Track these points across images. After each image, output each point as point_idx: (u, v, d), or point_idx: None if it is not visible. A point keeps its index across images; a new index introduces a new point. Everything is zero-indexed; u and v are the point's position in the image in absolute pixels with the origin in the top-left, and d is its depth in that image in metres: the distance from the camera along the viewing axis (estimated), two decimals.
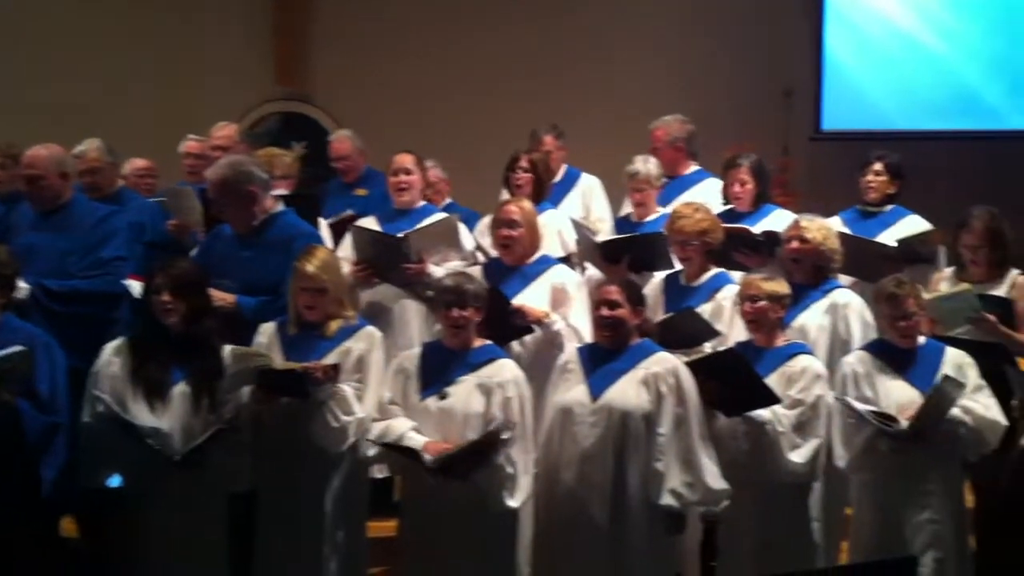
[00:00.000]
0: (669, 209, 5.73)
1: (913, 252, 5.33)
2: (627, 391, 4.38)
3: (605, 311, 4.46)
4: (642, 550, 4.35)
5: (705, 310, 4.99)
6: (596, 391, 4.41)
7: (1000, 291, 5.05)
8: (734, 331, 4.88)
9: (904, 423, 4.41)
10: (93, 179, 5.70)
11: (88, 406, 4.33)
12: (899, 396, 4.51)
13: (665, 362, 4.43)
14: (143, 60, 8.40)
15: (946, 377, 4.43)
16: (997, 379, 4.57)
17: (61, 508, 4.55)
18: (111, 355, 4.39)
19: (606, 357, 4.48)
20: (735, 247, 5.29)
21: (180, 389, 4.33)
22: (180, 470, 4.23)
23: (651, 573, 4.38)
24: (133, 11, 8.48)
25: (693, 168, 6.33)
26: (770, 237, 5.29)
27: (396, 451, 4.34)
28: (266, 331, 4.59)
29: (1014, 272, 5.08)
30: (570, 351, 4.66)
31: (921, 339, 4.65)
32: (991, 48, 8.36)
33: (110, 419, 4.24)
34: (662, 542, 4.41)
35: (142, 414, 4.27)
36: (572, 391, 4.46)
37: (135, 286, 4.85)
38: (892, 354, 4.61)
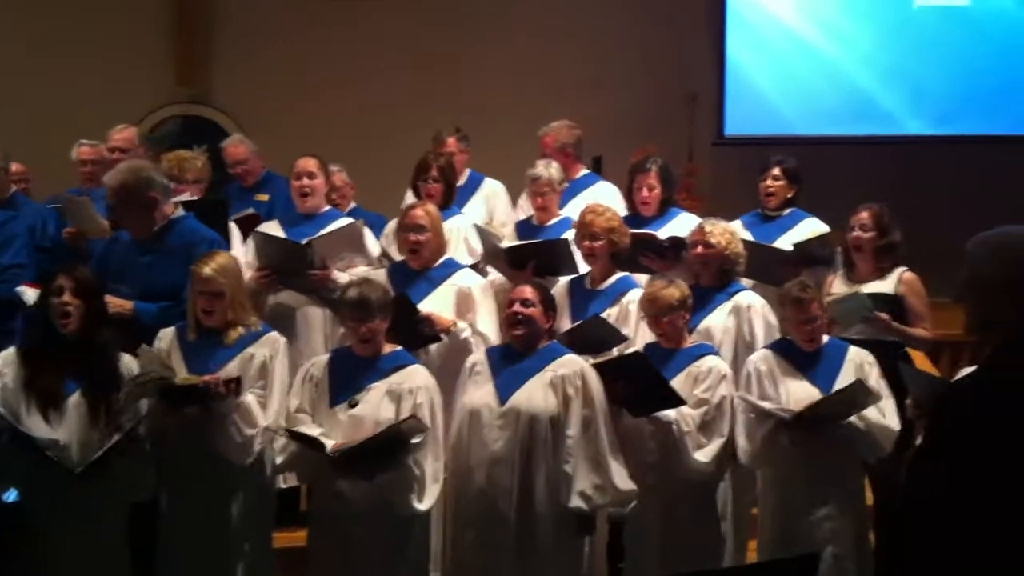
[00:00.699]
0: (569, 212, 5.79)
1: (811, 255, 5.43)
2: (534, 394, 4.37)
3: (518, 307, 4.45)
4: (550, 552, 4.34)
5: (611, 314, 5.02)
6: (504, 394, 4.40)
7: (888, 289, 5.18)
8: (640, 334, 4.91)
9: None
10: None
11: None
12: (801, 395, 4.59)
13: (572, 364, 4.44)
14: (38, 61, 8.14)
15: (860, 383, 4.51)
16: (894, 378, 4.68)
17: None
18: (1, 366, 4.26)
19: (514, 359, 4.47)
20: (641, 251, 5.33)
21: (75, 399, 4.22)
22: (80, 482, 4.11)
23: (560, 574, 4.37)
24: (30, 9, 8.22)
25: (583, 172, 6.38)
26: (676, 243, 5.34)
27: (302, 442, 4.26)
28: (165, 336, 4.49)
29: (900, 269, 5.22)
30: (478, 354, 4.64)
31: (824, 338, 4.74)
32: (887, 55, 8.58)
33: (4, 431, 4.10)
34: (571, 544, 4.41)
35: (38, 426, 4.15)
36: (480, 394, 4.44)
37: (28, 293, 4.69)
38: (795, 354, 4.69)
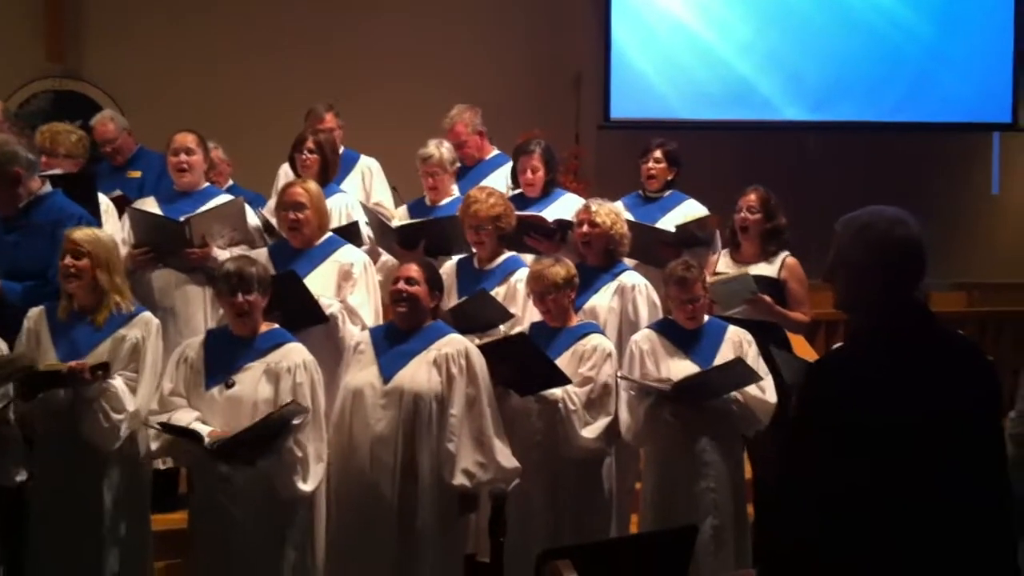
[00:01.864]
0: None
1: (691, 236, 5.52)
2: (418, 373, 4.35)
3: (402, 285, 4.42)
4: (433, 531, 4.33)
5: (499, 293, 5.02)
6: (387, 373, 4.37)
7: (771, 272, 5.31)
8: (528, 313, 4.93)
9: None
10: None
11: None
12: (682, 373, 4.67)
13: (456, 343, 4.42)
14: None
15: (741, 361, 4.60)
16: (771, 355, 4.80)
17: None
18: None
19: (398, 338, 4.44)
20: (527, 233, 5.34)
21: None
22: None
23: (443, 553, 4.38)
24: None
25: (494, 152, 6.36)
26: (563, 225, 5.37)
27: (178, 435, 4.16)
28: (33, 316, 4.35)
29: (784, 254, 5.35)
30: (362, 333, 4.59)
31: (705, 318, 4.83)
32: (765, 42, 8.78)
33: None
34: (453, 523, 4.41)
35: None
36: (363, 373, 4.40)
37: None
38: (677, 333, 4.77)
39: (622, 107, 8.62)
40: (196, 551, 4.30)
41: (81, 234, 4.30)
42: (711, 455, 4.65)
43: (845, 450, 2.55)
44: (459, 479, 4.31)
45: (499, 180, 6.04)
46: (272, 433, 4.12)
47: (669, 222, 5.64)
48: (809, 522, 2.59)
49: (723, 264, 5.39)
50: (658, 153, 5.83)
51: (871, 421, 2.55)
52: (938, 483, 2.58)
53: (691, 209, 5.76)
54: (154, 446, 4.25)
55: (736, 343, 4.76)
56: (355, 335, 4.63)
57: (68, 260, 4.25)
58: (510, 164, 6.15)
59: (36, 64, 8.14)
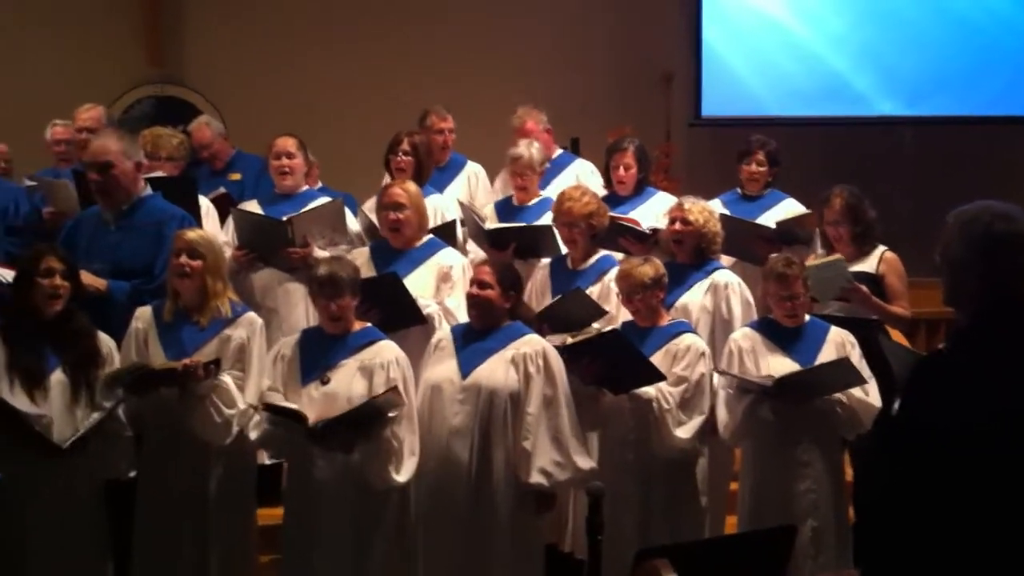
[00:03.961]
0: (548, 193, 5.79)
1: (791, 234, 5.47)
2: (495, 370, 4.39)
3: (475, 290, 4.47)
4: (506, 526, 4.36)
5: (592, 292, 5.02)
6: (465, 369, 4.42)
7: (868, 268, 5.23)
8: (621, 311, 4.91)
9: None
10: None
11: None
12: (783, 371, 4.59)
13: (534, 343, 4.45)
14: (10, 43, 8.04)
15: (847, 361, 4.53)
16: (874, 356, 4.71)
17: None
18: None
19: (477, 336, 4.49)
20: (621, 235, 5.34)
21: (58, 378, 4.21)
22: (62, 459, 4.11)
23: (517, 549, 4.40)
24: None
25: (559, 151, 6.40)
26: (656, 232, 5.34)
27: (281, 415, 4.25)
28: (143, 316, 4.47)
29: (881, 248, 5.27)
30: (444, 331, 4.65)
31: (806, 317, 4.76)
32: (859, 36, 8.63)
33: None
34: (527, 519, 4.43)
35: (22, 403, 4.13)
36: (442, 368, 4.46)
37: (5, 273, 4.65)
38: (777, 331, 4.71)
39: (713, 104, 8.56)
40: (289, 540, 4.39)
41: (195, 235, 4.42)
42: (811, 455, 4.59)
43: (948, 451, 2.52)
44: (536, 478, 4.34)
45: (570, 178, 6.05)
46: (370, 420, 4.20)
47: (769, 220, 5.59)
48: (910, 525, 2.57)
49: (821, 258, 5.31)
50: (760, 156, 5.80)
51: (972, 422, 2.51)
52: None
53: (790, 208, 5.71)
54: (254, 435, 4.34)
55: (839, 344, 4.68)
56: (438, 334, 4.67)
57: (183, 259, 4.36)
58: (578, 163, 6.17)
59: (138, 70, 8.34)
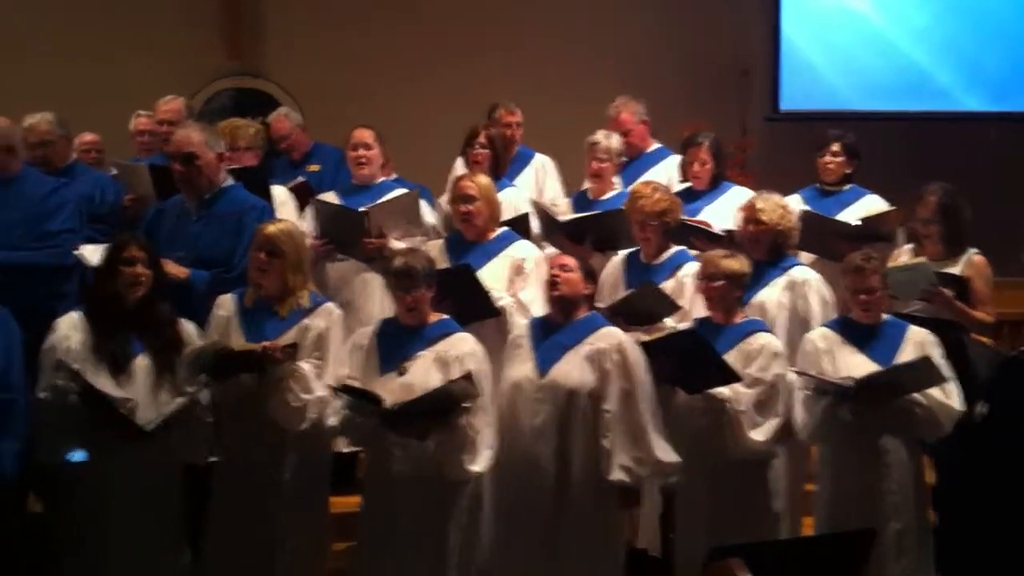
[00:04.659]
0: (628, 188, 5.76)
1: (873, 231, 5.37)
2: (572, 368, 4.39)
3: (557, 271, 4.47)
4: (587, 523, 4.37)
5: (666, 287, 4.98)
6: (543, 367, 4.43)
7: (955, 270, 5.12)
8: (695, 308, 4.87)
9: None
10: (44, 152, 5.57)
11: (44, 380, 4.26)
12: (860, 371, 4.53)
13: (610, 338, 4.44)
14: (91, 36, 8.22)
15: (928, 360, 4.44)
16: (957, 358, 4.61)
17: (26, 485, 4.46)
18: (67, 329, 4.32)
19: (553, 330, 4.48)
20: (693, 236, 5.28)
21: (141, 362, 4.30)
22: (143, 442, 4.19)
23: (599, 545, 4.40)
24: None
25: (656, 145, 6.33)
26: (731, 233, 5.28)
27: (359, 398, 4.29)
28: (225, 303, 4.53)
29: (971, 251, 5.15)
30: (521, 326, 4.65)
31: (884, 316, 4.68)
32: (942, 30, 8.46)
33: (74, 392, 4.18)
34: (608, 516, 4.43)
35: (107, 387, 4.23)
36: (520, 366, 4.47)
37: (93, 253, 4.76)
38: (855, 330, 4.64)
39: (791, 99, 8.46)
40: (365, 528, 4.43)
41: (275, 229, 4.46)
42: (892, 457, 4.51)
43: None
44: (616, 475, 4.33)
45: (661, 173, 6.01)
46: (444, 407, 4.22)
47: (850, 217, 5.50)
48: (996, 530, 2.51)
49: (906, 259, 5.22)
50: (836, 146, 5.72)
51: None
52: None
53: (873, 204, 5.62)
54: (334, 420, 4.38)
55: (918, 343, 4.58)
56: (515, 330, 4.68)
57: (263, 255, 4.42)
58: (672, 158, 6.11)
59: (217, 63, 8.47)
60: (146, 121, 6.39)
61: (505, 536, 4.46)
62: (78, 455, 4.22)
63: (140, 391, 4.26)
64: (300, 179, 5.86)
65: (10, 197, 4.96)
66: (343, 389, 4.32)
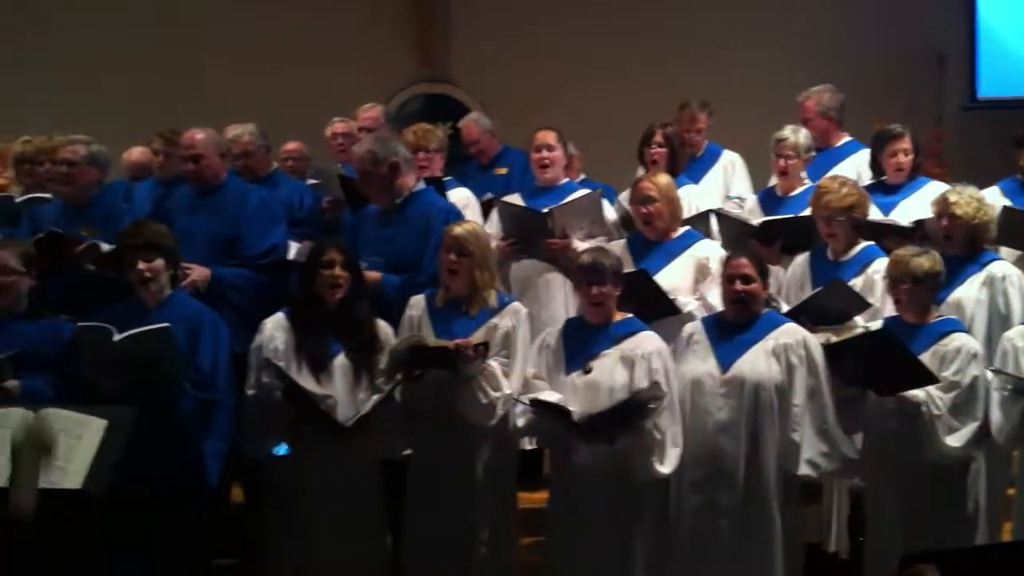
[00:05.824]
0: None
1: None
2: (757, 362, 4.37)
3: (739, 285, 4.44)
4: (776, 520, 4.35)
5: (855, 285, 4.87)
6: (725, 363, 4.41)
7: None
8: (887, 305, 4.74)
9: None
10: (246, 162, 5.84)
11: (253, 377, 4.52)
12: None
13: (794, 333, 4.41)
14: (290, 47, 8.60)
15: None
16: None
17: (228, 479, 4.75)
18: (273, 330, 4.58)
19: (733, 329, 4.47)
20: (883, 235, 5.14)
21: (340, 361, 4.52)
22: (344, 438, 4.40)
23: (785, 542, 4.37)
24: (290, 3, 8.73)
25: (845, 139, 6.16)
26: (922, 234, 5.09)
27: (543, 409, 4.38)
28: (416, 304, 4.71)
29: None
30: (695, 323, 4.65)
31: None
32: None
33: (279, 389, 4.41)
34: (794, 512, 4.41)
35: (309, 384, 4.46)
36: (700, 363, 4.46)
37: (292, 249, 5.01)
38: None
39: (989, 86, 8.13)
40: (552, 525, 4.53)
41: (463, 230, 4.62)
42: None
43: None
44: (804, 469, 4.32)
45: (850, 168, 5.86)
46: (633, 414, 4.27)
47: None
48: None
49: None
50: None
51: None
52: None
53: None
54: (520, 422, 4.49)
55: None
56: (688, 327, 4.66)
57: (453, 257, 4.58)
58: (862, 152, 5.94)
59: (409, 70, 8.76)
60: (341, 126, 6.65)
61: (692, 531, 4.44)
62: (281, 449, 4.48)
63: (339, 389, 4.48)
64: (488, 195, 5.97)
65: (216, 207, 5.18)
66: (533, 403, 4.40)
